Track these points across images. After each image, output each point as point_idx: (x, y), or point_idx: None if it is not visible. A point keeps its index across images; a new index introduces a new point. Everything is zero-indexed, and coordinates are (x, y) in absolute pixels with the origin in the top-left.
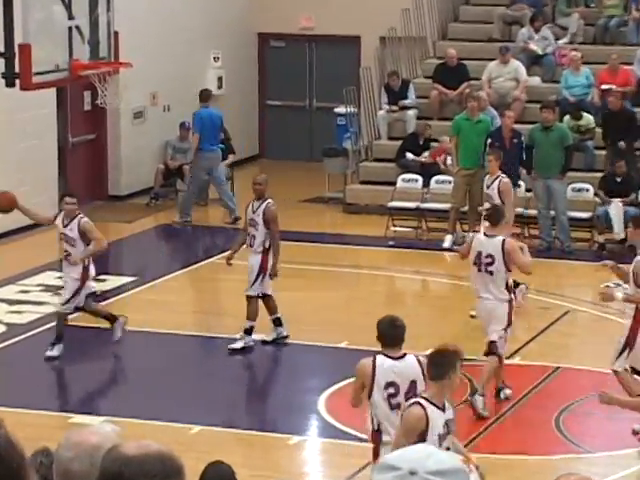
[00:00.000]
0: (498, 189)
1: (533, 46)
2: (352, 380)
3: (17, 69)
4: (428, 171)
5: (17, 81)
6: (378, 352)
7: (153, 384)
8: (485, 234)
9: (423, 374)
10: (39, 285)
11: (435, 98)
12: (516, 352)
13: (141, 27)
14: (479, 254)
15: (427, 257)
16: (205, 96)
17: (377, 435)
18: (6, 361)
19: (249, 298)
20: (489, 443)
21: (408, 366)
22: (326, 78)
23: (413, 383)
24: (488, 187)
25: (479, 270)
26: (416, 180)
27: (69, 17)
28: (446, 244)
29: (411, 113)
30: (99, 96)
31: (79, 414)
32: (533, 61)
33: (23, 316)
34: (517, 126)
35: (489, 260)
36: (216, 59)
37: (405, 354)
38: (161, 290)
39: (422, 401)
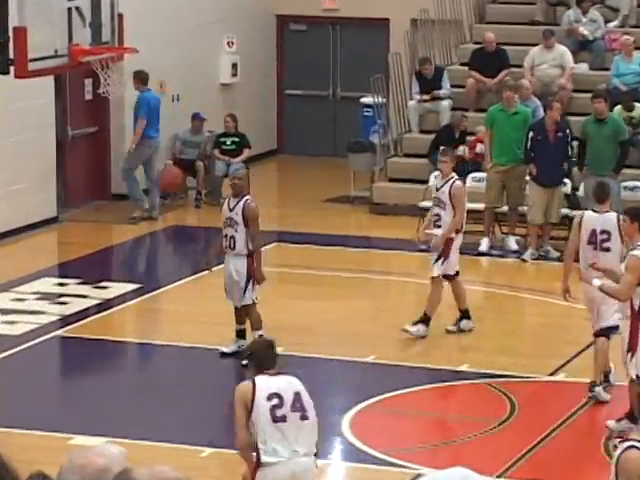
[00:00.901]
0: (449, 193)
1: (583, 30)
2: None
3: (12, 55)
4: (464, 167)
5: (12, 68)
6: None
7: (159, 401)
8: (594, 210)
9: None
10: (35, 293)
11: (472, 87)
12: (561, 368)
13: (148, 9)
14: (594, 232)
15: (462, 262)
16: (144, 78)
17: (257, 458)
18: None
19: (246, 308)
20: (532, 468)
21: (288, 381)
22: (351, 65)
23: (297, 395)
24: (438, 190)
25: (595, 249)
26: None
27: None
28: (482, 248)
29: (445, 104)
30: (101, 85)
31: (79, 435)
32: (580, 46)
33: (17, 327)
34: None
35: (605, 236)
36: (230, 44)
37: (280, 373)
38: (167, 299)
39: (638, 444)
